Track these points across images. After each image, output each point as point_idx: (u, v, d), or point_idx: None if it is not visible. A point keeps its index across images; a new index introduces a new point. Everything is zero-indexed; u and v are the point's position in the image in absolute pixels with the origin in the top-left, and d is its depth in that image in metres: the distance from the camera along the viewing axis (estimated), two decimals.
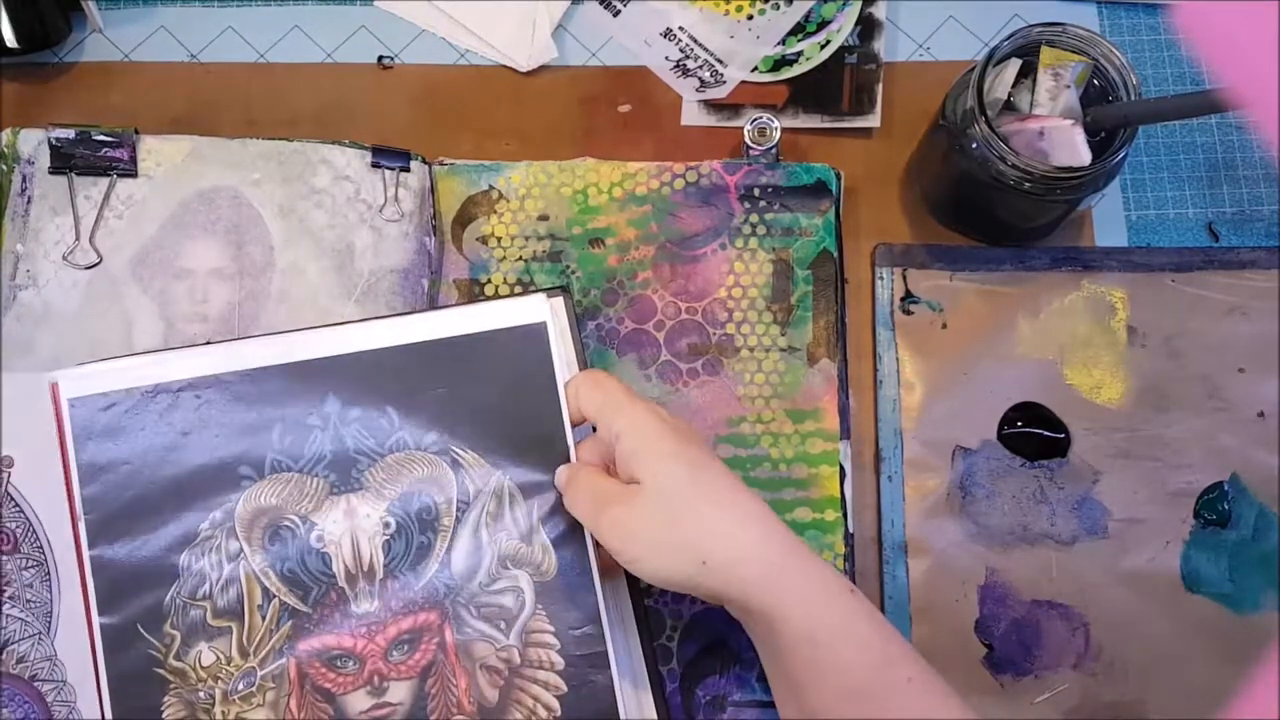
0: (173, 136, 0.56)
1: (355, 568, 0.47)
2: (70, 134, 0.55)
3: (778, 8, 0.60)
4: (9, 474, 0.51)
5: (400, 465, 0.47)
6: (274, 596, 0.46)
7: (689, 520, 0.42)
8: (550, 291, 0.52)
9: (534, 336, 0.48)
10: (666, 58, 0.61)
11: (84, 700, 0.49)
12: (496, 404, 0.48)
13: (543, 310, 0.48)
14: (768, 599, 0.42)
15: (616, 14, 0.61)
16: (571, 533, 0.47)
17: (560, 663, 0.46)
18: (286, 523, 0.47)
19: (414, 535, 0.47)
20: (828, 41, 0.60)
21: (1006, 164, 0.50)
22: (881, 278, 0.57)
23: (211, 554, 0.47)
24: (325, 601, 0.47)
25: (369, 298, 0.54)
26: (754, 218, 0.56)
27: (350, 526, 0.47)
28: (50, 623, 0.50)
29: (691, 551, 0.42)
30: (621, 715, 0.47)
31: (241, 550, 0.47)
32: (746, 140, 0.57)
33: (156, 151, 0.55)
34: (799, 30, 0.60)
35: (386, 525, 0.47)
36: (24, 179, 0.55)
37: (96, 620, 0.46)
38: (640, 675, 0.49)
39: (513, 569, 0.47)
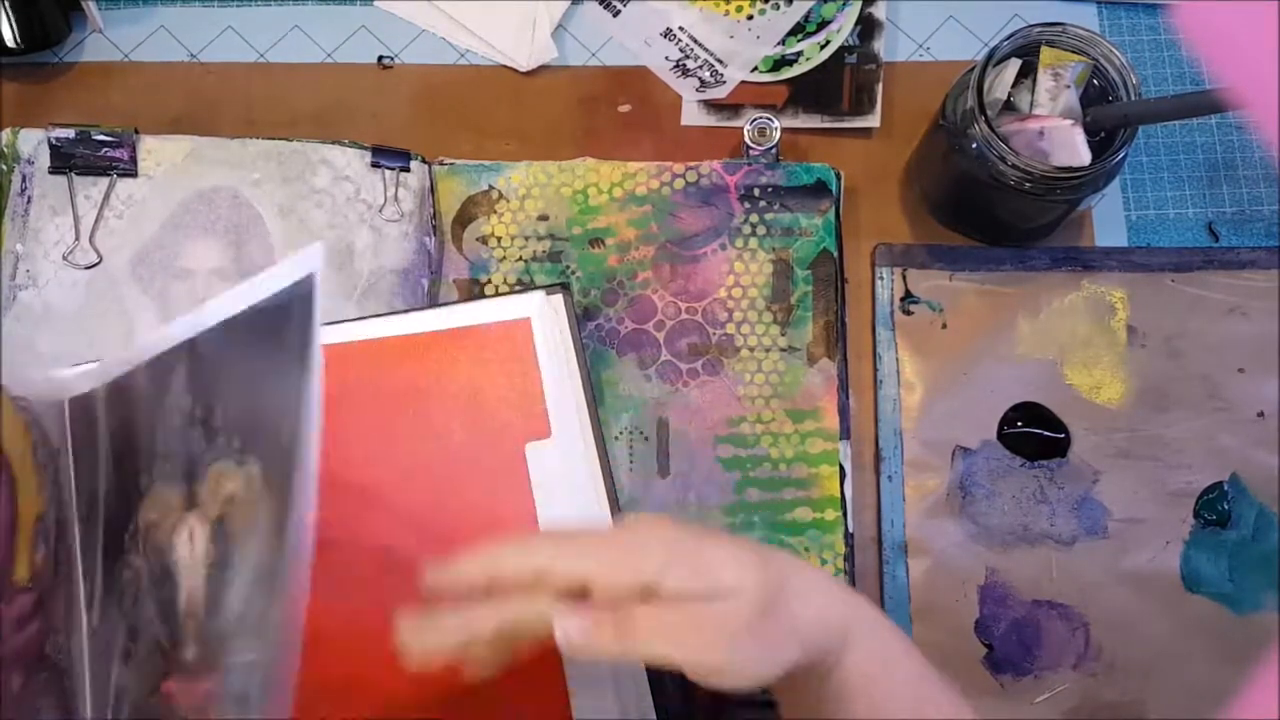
0: (173, 136, 0.56)
1: (185, 606, 0.39)
2: (70, 134, 0.55)
3: (778, 8, 0.60)
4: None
5: (216, 479, 0.39)
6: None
7: (784, 607, 0.38)
8: (549, 289, 0.53)
9: (300, 303, 0.37)
10: (666, 58, 0.61)
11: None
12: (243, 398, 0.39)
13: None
14: (847, 628, 0.39)
15: (616, 14, 0.61)
16: None
17: None
18: (154, 543, 0.40)
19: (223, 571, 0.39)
20: (828, 41, 0.60)
21: (1006, 164, 0.50)
22: (881, 278, 0.57)
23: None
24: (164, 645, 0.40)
25: (369, 298, 0.54)
26: (754, 218, 0.56)
27: (187, 555, 0.39)
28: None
29: (790, 636, 0.38)
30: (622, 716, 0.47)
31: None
32: (746, 140, 0.57)
33: (156, 151, 0.55)
34: (799, 30, 0.60)
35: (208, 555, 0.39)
36: (24, 179, 0.55)
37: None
38: (640, 675, 0.49)
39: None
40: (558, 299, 0.53)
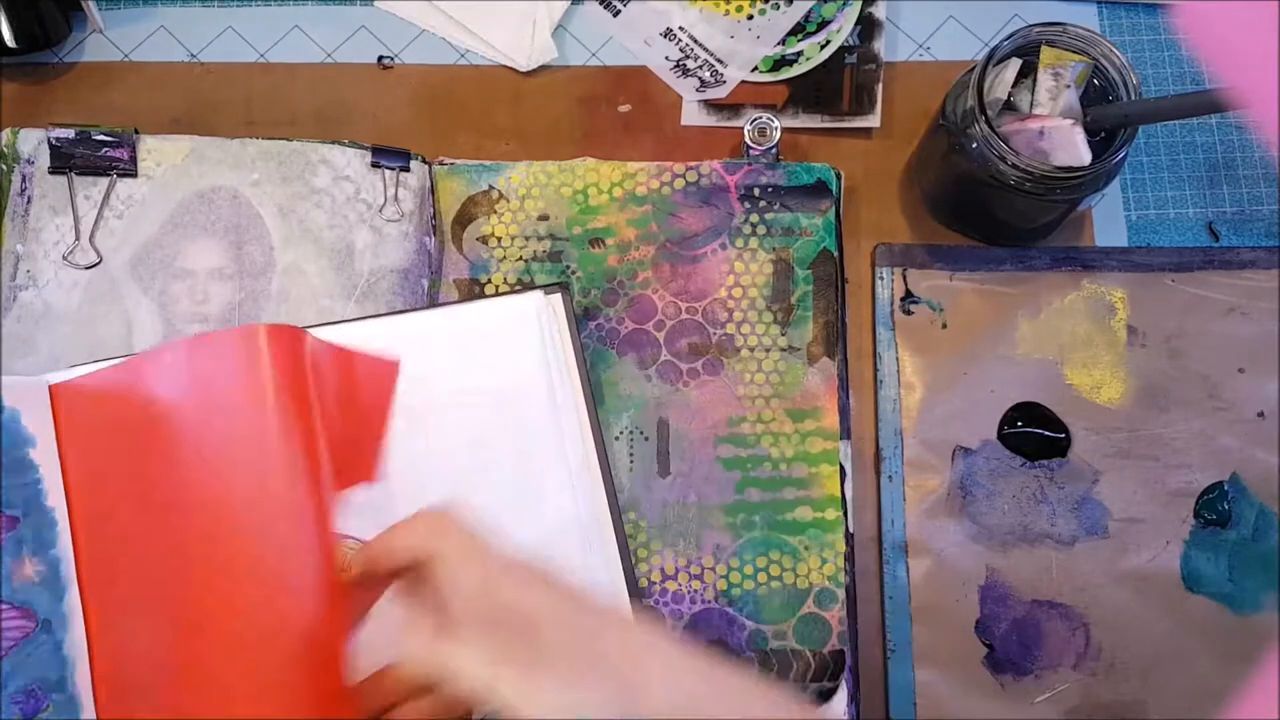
0: (173, 136, 0.56)
1: None
2: (70, 134, 0.55)
3: (778, 8, 0.60)
4: None
5: None
6: None
7: None
8: (548, 288, 0.53)
9: None
10: (666, 58, 0.61)
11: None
12: None
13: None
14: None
15: (616, 14, 0.61)
16: None
17: None
18: None
19: None
20: (828, 41, 0.60)
21: (1006, 164, 0.50)
22: (881, 278, 0.57)
23: None
24: None
25: (369, 298, 0.54)
26: (754, 218, 0.56)
27: None
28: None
29: None
30: None
31: None
32: (746, 140, 0.57)
33: (156, 151, 0.55)
34: (799, 30, 0.60)
35: None
36: (24, 179, 0.55)
37: None
38: None
39: None
40: (557, 298, 0.53)
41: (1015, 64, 0.52)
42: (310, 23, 0.62)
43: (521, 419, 0.50)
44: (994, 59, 0.50)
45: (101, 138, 0.55)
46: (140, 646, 0.46)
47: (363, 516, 0.48)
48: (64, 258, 0.54)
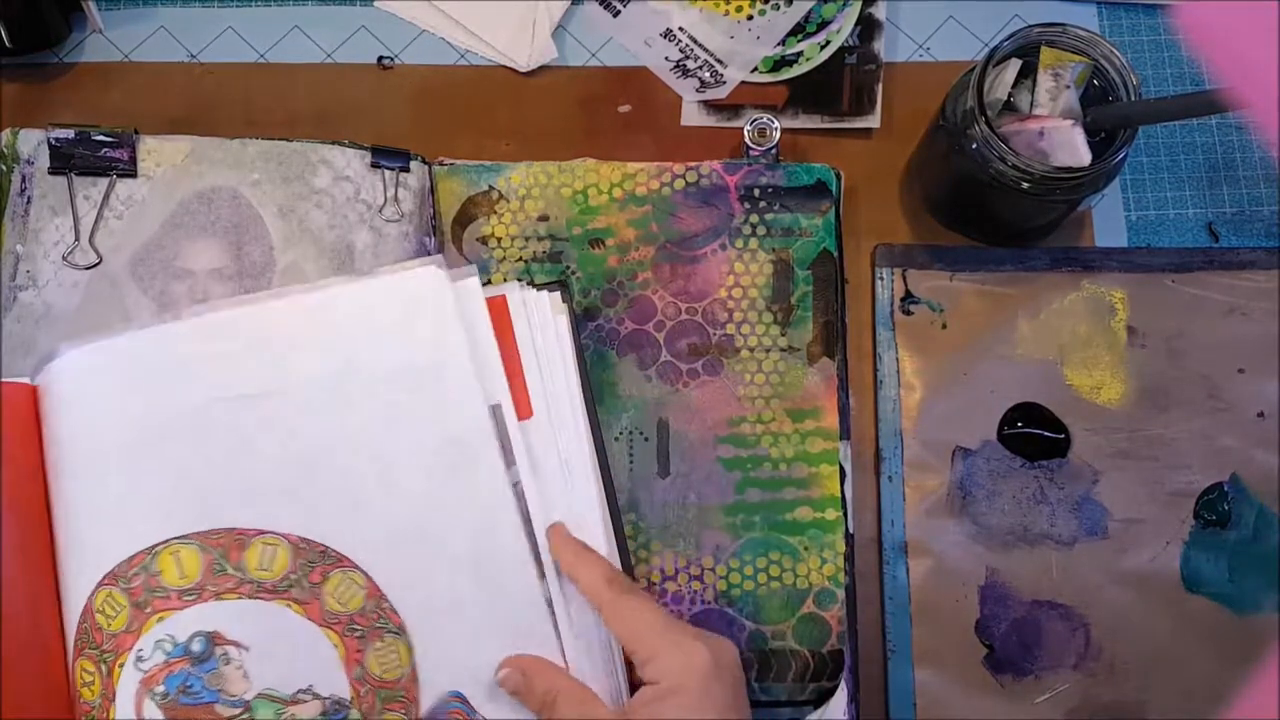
0: (173, 136, 0.56)
1: None
2: (70, 134, 0.55)
3: (778, 8, 0.60)
4: None
5: None
6: None
7: None
8: (550, 286, 0.52)
9: None
10: (666, 58, 0.61)
11: None
12: None
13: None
14: None
15: (616, 14, 0.61)
16: None
17: None
18: None
19: None
20: (828, 42, 0.60)
21: (1006, 164, 0.50)
22: (881, 278, 0.57)
23: None
24: None
25: None
26: (754, 218, 0.56)
27: None
28: None
29: None
30: None
31: None
32: (746, 140, 0.57)
33: (156, 151, 0.55)
34: (799, 30, 0.60)
35: None
36: (24, 179, 0.55)
37: None
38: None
39: None
40: (555, 295, 0.53)
41: (1015, 64, 0.52)
42: (310, 23, 0.62)
43: (443, 400, 0.48)
44: (994, 59, 0.50)
45: (101, 138, 0.55)
46: None
47: (284, 502, 0.47)
48: (64, 258, 0.54)
